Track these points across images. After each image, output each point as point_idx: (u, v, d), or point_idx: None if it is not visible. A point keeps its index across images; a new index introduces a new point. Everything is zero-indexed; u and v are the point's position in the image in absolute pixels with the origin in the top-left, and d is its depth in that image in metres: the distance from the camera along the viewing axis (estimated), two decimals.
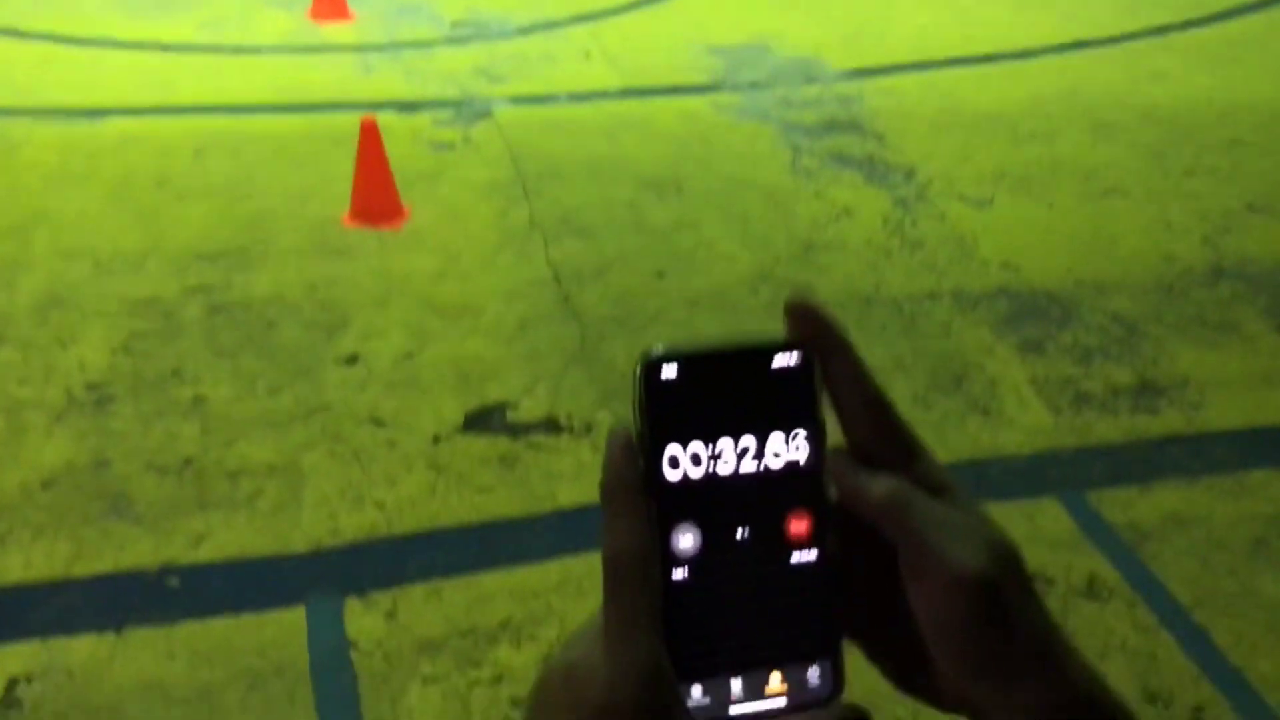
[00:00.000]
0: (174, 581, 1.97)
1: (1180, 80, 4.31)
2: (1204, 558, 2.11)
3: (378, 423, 2.29)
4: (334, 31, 4.33)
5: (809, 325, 0.41)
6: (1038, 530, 2.15)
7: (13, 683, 1.78)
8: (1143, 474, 2.29)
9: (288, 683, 1.80)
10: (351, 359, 2.48)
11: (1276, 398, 2.53)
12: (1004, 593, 0.39)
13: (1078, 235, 3.18)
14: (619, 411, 2.33)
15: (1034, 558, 2.01)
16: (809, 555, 0.42)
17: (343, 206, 3.02)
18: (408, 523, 2.08)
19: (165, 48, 4.08)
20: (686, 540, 0.41)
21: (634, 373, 0.40)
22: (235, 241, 2.88)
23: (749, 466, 0.41)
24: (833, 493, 0.42)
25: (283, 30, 4.32)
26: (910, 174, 3.47)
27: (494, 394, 2.39)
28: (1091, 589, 2.02)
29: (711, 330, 2.63)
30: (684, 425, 0.41)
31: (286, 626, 1.89)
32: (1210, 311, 2.84)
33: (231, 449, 2.20)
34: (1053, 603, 1.89)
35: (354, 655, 1.85)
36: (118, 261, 2.77)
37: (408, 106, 3.70)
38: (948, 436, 2.36)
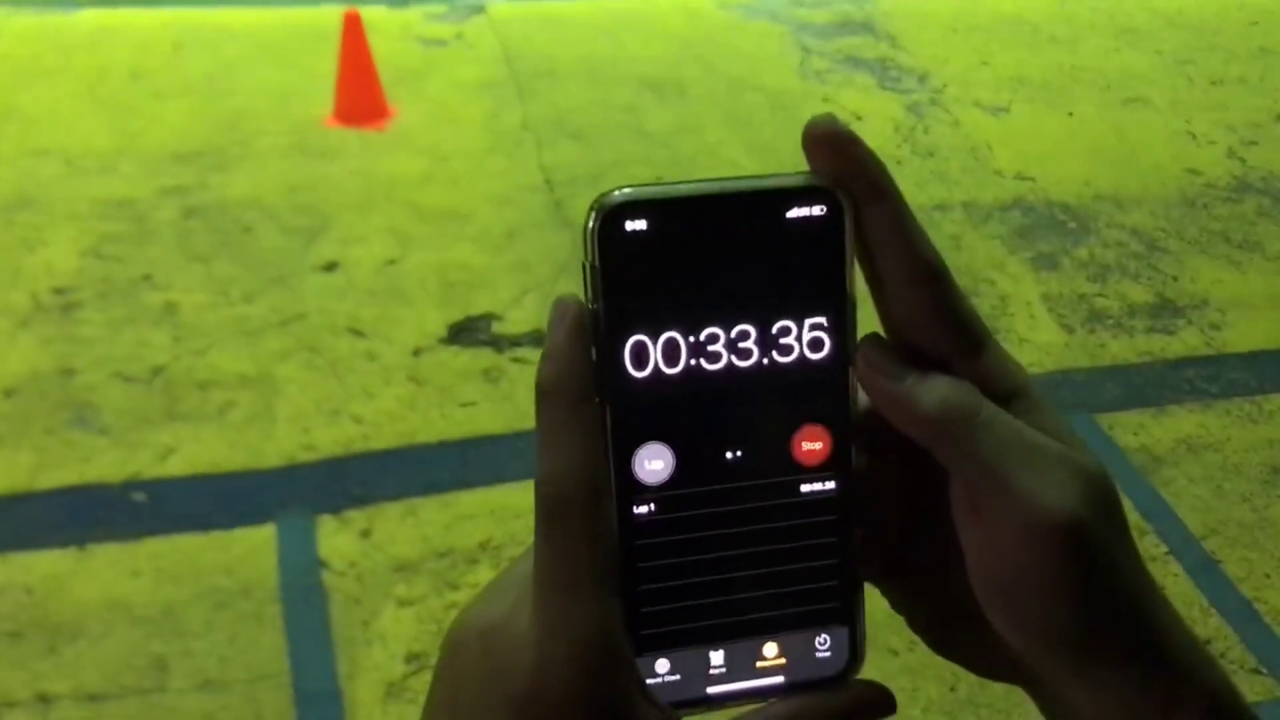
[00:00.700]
0: (140, 496, 1.88)
1: None
2: (1218, 485, 2.02)
3: (357, 333, 2.19)
4: None
5: (840, 161, 0.30)
6: None
7: None
8: (1157, 397, 2.19)
9: (256, 603, 1.73)
10: (331, 266, 2.37)
11: None
12: (1096, 541, 0.29)
13: (1097, 146, 3.04)
14: None
15: None
16: (824, 486, 0.31)
17: (326, 105, 2.88)
18: (385, 438, 1.99)
19: None
20: (655, 464, 0.30)
21: (585, 226, 0.29)
22: (212, 141, 2.75)
23: (746, 362, 0.30)
24: (862, 400, 0.31)
25: None
26: (924, 78, 3.31)
27: (479, 304, 2.28)
28: None
29: None
30: (656, 303, 0.29)
31: (256, 545, 1.81)
32: (1234, 228, 2.71)
33: (203, 358, 2.10)
34: None
35: (325, 575, 1.78)
36: (89, 161, 2.65)
37: (397, 0, 3.53)
38: None
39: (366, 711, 1.59)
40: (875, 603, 0.34)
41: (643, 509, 0.31)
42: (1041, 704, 0.32)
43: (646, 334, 0.30)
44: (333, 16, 3.05)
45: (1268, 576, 1.88)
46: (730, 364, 0.30)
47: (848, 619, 0.32)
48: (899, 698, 0.33)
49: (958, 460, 0.30)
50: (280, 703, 1.60)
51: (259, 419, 2.00)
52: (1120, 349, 2.30)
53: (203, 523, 1.84)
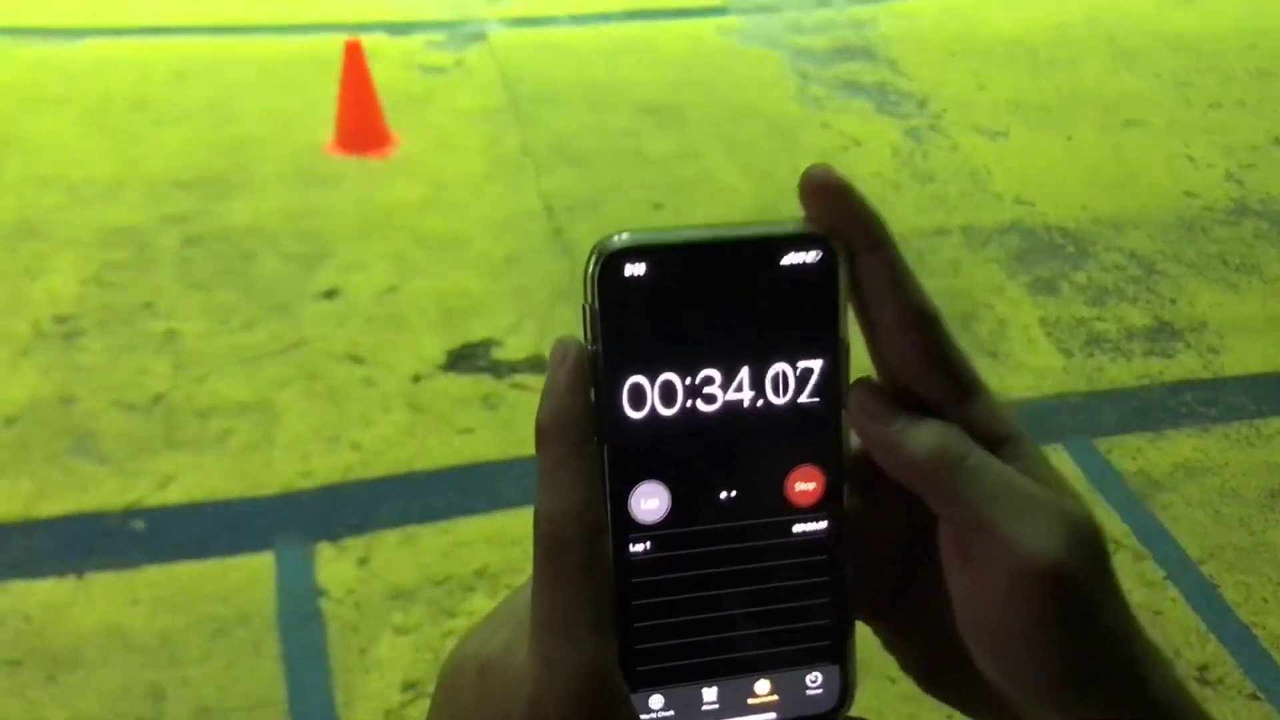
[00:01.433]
0: (139, 524, 1.89)
1: (1207, 7, 4.13)
2: (1216, 509, 2.02)
3: (356, 360, 2.20)
4: None
5: (834, 209, 0.31)
6: None
7: None
8: (1155, 421, 2.19)
9: (253, 631, 1.73)
10: (331, 293, 2.38)
11: None
12: (1083, 589, 0.29)
13: (1095, 169, 3.05)
14: None
15: None
16: (817, 526, 0.32)
17: (327, 133, 2.90)
18: (384, 465, 2.00)
19: None
20: (651, 503, 0.31)
21: (586, 270, 0.30)
22: (214, 169, 2.77)
23: (741, 404, 0.31)
24: (854, 443, 0.32)
25: None
26: (923, 103, 3.32)
27: (478, 331, 2.29)
28: None
29: None
30: (654, 345, 0.30)
31: (254, 572, 1.82)
32: (1232, 251, 2.71)
33: (203, 386, 2.11)
34: None
35: (324, 603, 1.78)
36: (92, 188, 2.66)
37: (398, 28, 3.56)
38: None
39: None
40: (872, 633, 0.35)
41: (638, 547, 0.31)
42: None
43: (644, 376, 0.31)
44: (334, 44, 3.07)
45: (1265, 601, 1.87)
46: (726, 406, 0.31)
47: (839, 657, 0.33)
48: None
49: (946, 505, 0.30)
50: None
51: (258, 446, 2.01)
52: (1118, 373, 2.30)
53: (201, 550, 1.85)
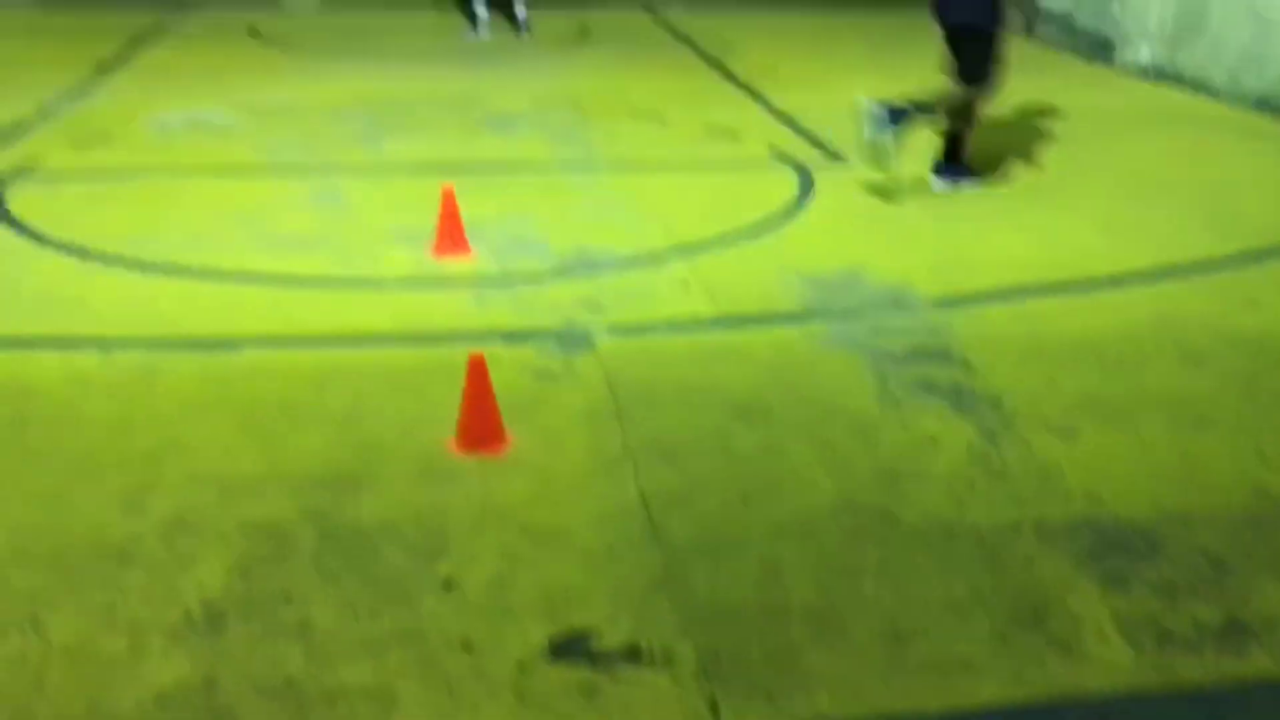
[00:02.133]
0: None
1: (1274, 307, 4.35)
2: None
3: (467, 648, 2.41)
4: (454, 266, 4.67)
5: None
6: None
7: None
8: (1227, 719, 2.25)
9: None
10: (448, 584, 2.62)
11: None
12: None
13: (1165, 466, 3.20)
14: (700, 641, 2.41)
15: None
16: None
17: (450, 434, 3.23)
18: None
19: (300, 282, 4.46)
20: None
21: None
22: (347, 467, 3.09)
23: None
24: None
25: (407, 265, 4.67)
26: (996, 403, 3.55)
27: (579, 620, 2.49)
28: None
29: (791, 558, 2.71)
30: None
31: None
32: None
33: (331, 672, 2.33)
34: None
35: None
36: (240, 486, 3.00)
37: (515, 337, 3.96)
38: (1026, 675, 2.36)
39: None
40: None
41: None
42: None
43: None
44: (457, 354, 3.45)
45: None
46: None
47: None
48: None
49: None
50: None
51: None
52: (1190, 669, 2.38)
53: None
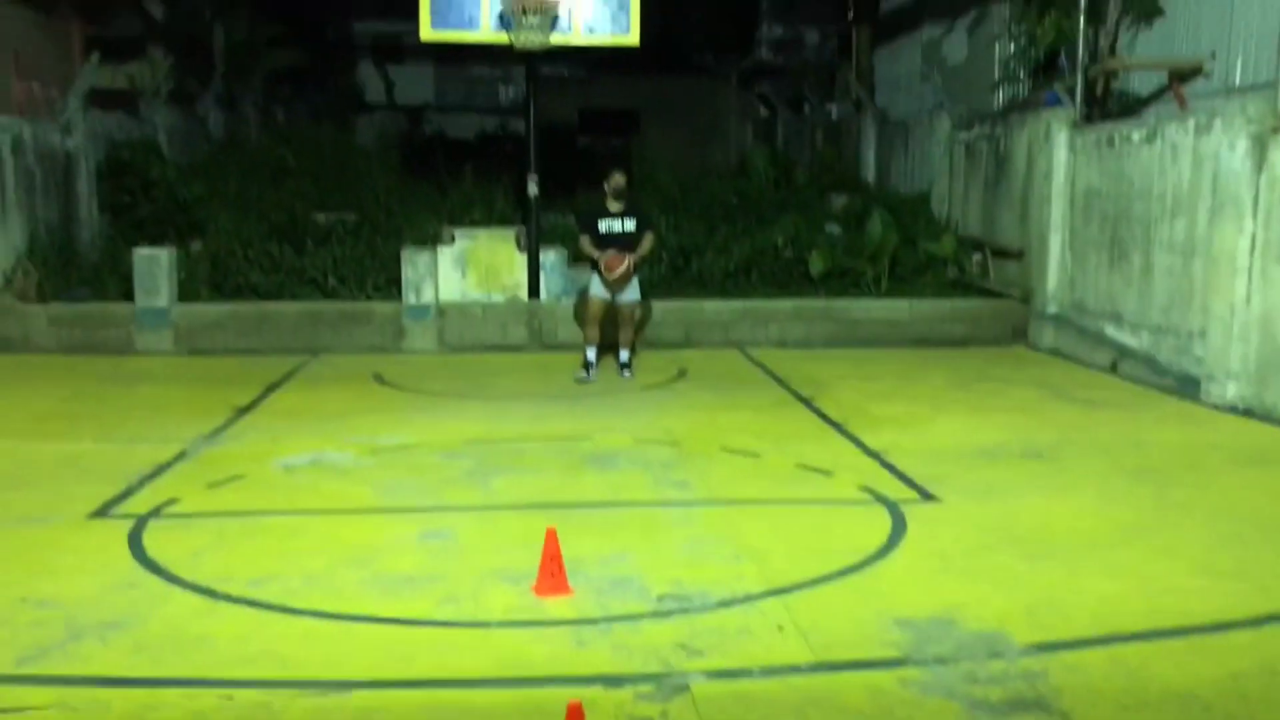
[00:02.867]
0: None
1: None
2: None
3: None
4: (554, 605, 4.85)
5: None
6: None
7: None
8: None
9: None
10: None
11: None
12: None
13: None
14: None
15: None
16: None
17: None
18: None
19: (407, 622, 4.66)
20: None
21: None
22: None
23: None
24: None
25: (509, 605, 4.86)
26: None
27: None
28: None
29: None
30: None
31: None
32: None
33: None
34: None
35: None
36: None
37: (613, 681, 4.06)
38: None
39: None
40: None
41: None
42: None
43: None
44: (559, 699, 3.57)
45: None
46: None
47: None
48: None
49: None
50: None
51: None
52: None
53: None
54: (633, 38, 12.38)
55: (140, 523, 6.04)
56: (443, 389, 10.34)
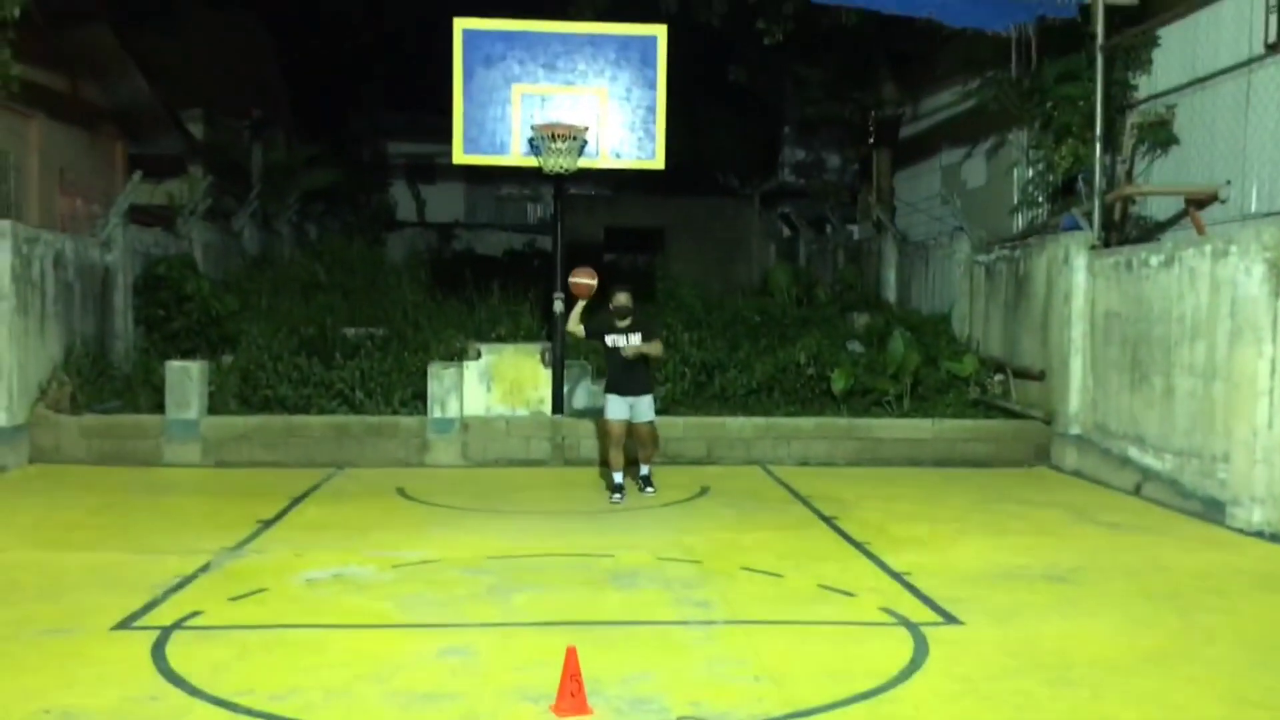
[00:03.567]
0: None
1: None
2: None
3: None
4: None
5: None
6: None
7: None
8: None
9: None
10: None
11: None
12: None
13: None
14: None
15: None
16: None
17: None
18: None
19: None
20: None
21: None
22: None
23: None
24: None
25: None
26: None
27: None
28: None
29: None
30: None
31: None
32: None
33: None
34: None
35: None
36: None
37: None
38: None
39: None
40: None
41: None
42: None
43: None
44: None
45: None
46: None
47: None
48: None
49: None
50: None
51: None
52: None
53: None
54: (658, 162, 12.76)
55: (164, 635, 6.08)
56: (465, 503, 10.40)
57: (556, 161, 12.21)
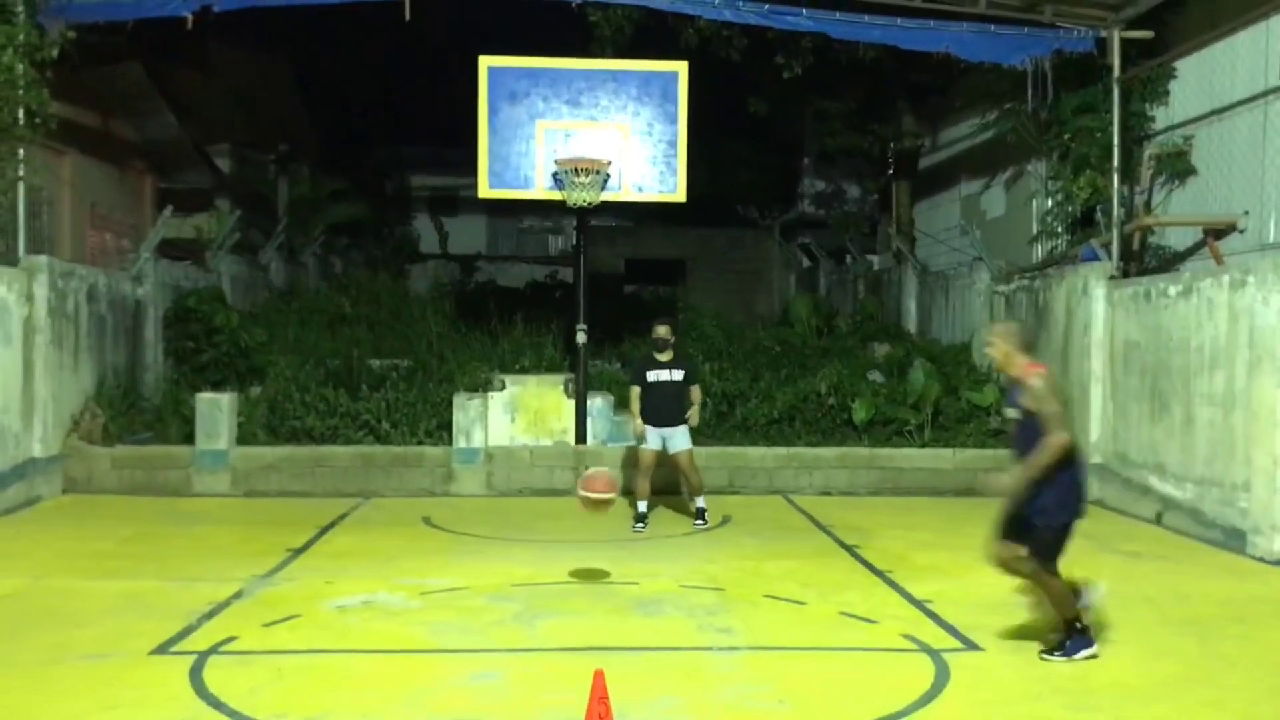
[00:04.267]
0: None
1: None
2: None
3: None
4: None
5: None
6: None
7: None
8: None
9: None
10: None
11: None
12: None
13: None
14: None
15: None
16: None
17: None
18: None
19: None
20: None
21: None
22: None
23: None
24: None
25: None
26: None
27: None
28: None
29: None
30: None
31: None
32: None
33: None
34: None
35: None
36: None
37: None
38: None
39: None
40: None
41: None
42: None
43: None
44: None
45: None
46: None
47: None
48: None
49: None
50: None
51: None
52: None
53: None
54: (679, 195, 12.94)
55: (200, 659, 6.22)
56: (491, 532, 10.53)
57: (580, 195, 12.41)
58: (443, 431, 13.13)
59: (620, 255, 26.61)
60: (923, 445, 13.43)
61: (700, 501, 10.92)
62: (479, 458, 12.86)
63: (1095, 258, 12.91)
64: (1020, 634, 6.90)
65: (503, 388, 13.30)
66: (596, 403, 13.23)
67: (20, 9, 11.62)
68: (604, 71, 13.07)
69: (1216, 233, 11.71)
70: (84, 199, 16.44)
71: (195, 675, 5.94)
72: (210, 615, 7.22)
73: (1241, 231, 11.52)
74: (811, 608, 7.65)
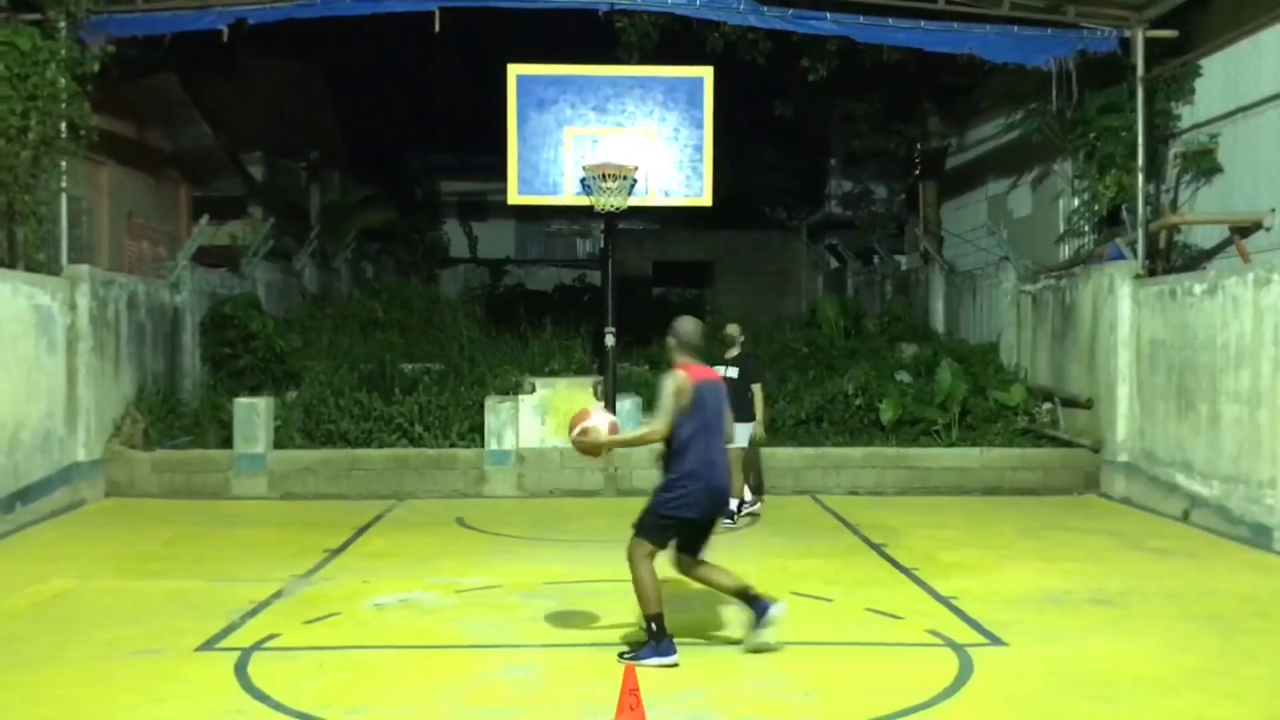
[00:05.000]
0: None
1: None
2: None
3: None
4: None
5: None
6: None
7: None
8: None
9: None
10: None
11: None
12: None
13: None
14: None
15: None
16: None
17: None
18: None
19: None
20: None
21: None
22: None
23: None
24: None
25: None
26: None
27: None
28: None
29: None
30: None
31: None
32: None
33: None
34: None
35: None
36: None
37: None
38: None
39: None
40: None
41: None
42: None
43: None
44: None
45: None
46: None
47: None
48: None
49: None
50: None
51: None
52: None
53: None
54: (706, 199, 13.10)
55: (244, 655, 6.44)
56: (523, 532, 10.72)
57: (608, 200, 12.59)
58: (474, 434, 13.34)
59: (648, 258, 26.77)
60: (950, 445, 13.51)
61: (747, 500, 11.07)
62: (510, 459, 13.06)
63: (1121, 257, 12.96)
64: (1044, 629, 7.00)
65: (533, 391, 13.49)
66: (625, 405, 13.38)
67: (62, 25, 11.94)
68: (630, 78, 13.25)
69: (1242, 231, 11.74)
70: (121, 208, 16.79)
71: (240, 670, 6.15)
72: (252, 613, 7.44)
73: (1268, 229, 11.54)
74: (838, 604, 7.78)
